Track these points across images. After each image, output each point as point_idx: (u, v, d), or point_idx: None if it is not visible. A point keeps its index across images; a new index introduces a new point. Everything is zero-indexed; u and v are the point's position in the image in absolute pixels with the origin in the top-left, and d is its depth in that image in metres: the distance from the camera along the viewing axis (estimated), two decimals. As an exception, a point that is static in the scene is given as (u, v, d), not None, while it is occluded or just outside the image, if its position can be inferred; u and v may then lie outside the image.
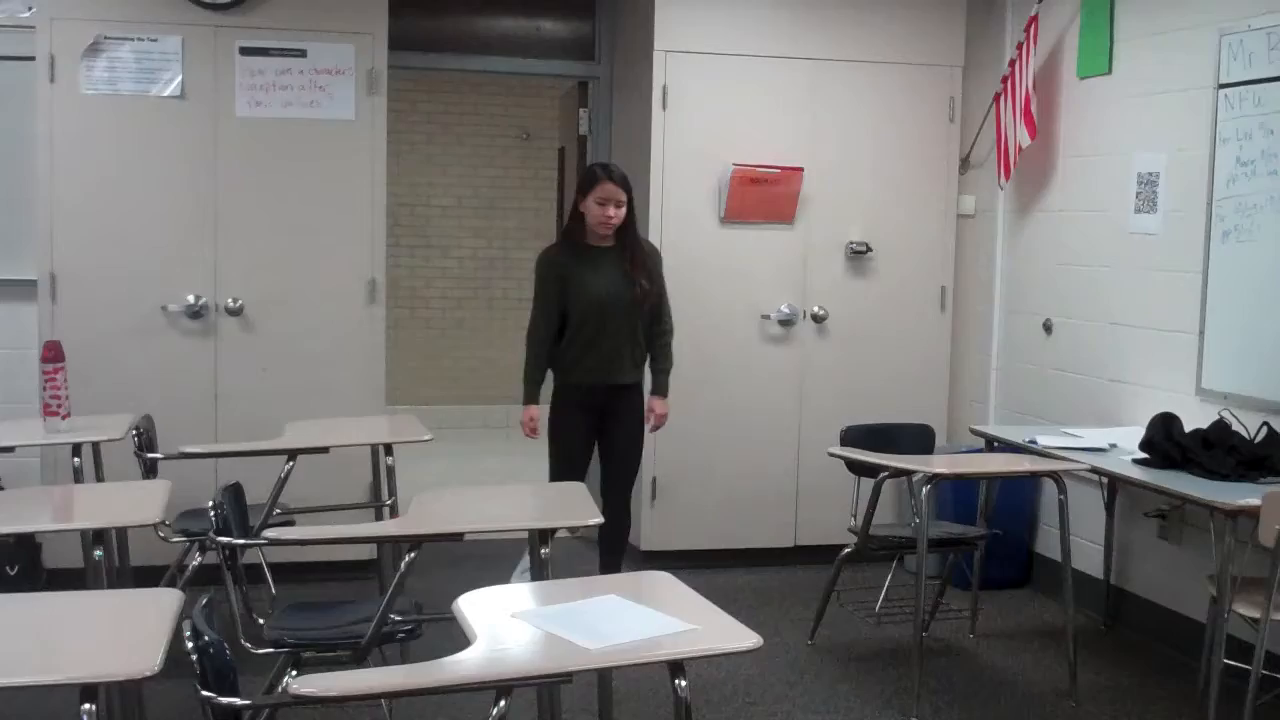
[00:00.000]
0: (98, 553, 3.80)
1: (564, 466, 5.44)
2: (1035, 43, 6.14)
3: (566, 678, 2.87)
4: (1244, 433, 4.85)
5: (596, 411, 5.46)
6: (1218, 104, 5.18)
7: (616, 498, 5.54)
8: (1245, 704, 4.27)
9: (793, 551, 6.62)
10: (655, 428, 5.67)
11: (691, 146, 6.43)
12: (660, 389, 5.60)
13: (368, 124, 6.10)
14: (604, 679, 3.95)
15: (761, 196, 6.47)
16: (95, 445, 5.03)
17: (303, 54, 6.01)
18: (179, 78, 5.90)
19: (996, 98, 6.38)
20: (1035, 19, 6.14)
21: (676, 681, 2.81)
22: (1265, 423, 4.81)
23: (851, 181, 6.62)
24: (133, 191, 5.91)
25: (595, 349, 5.39)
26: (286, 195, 6.05)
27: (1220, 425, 4.91)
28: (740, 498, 6.59)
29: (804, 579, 6.31)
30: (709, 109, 6.44)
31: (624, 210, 5.31)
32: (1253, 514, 4.18)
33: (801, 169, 6.50)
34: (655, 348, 5.57)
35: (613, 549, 5.55)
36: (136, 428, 5.19)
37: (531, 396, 5.52)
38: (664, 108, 6.40)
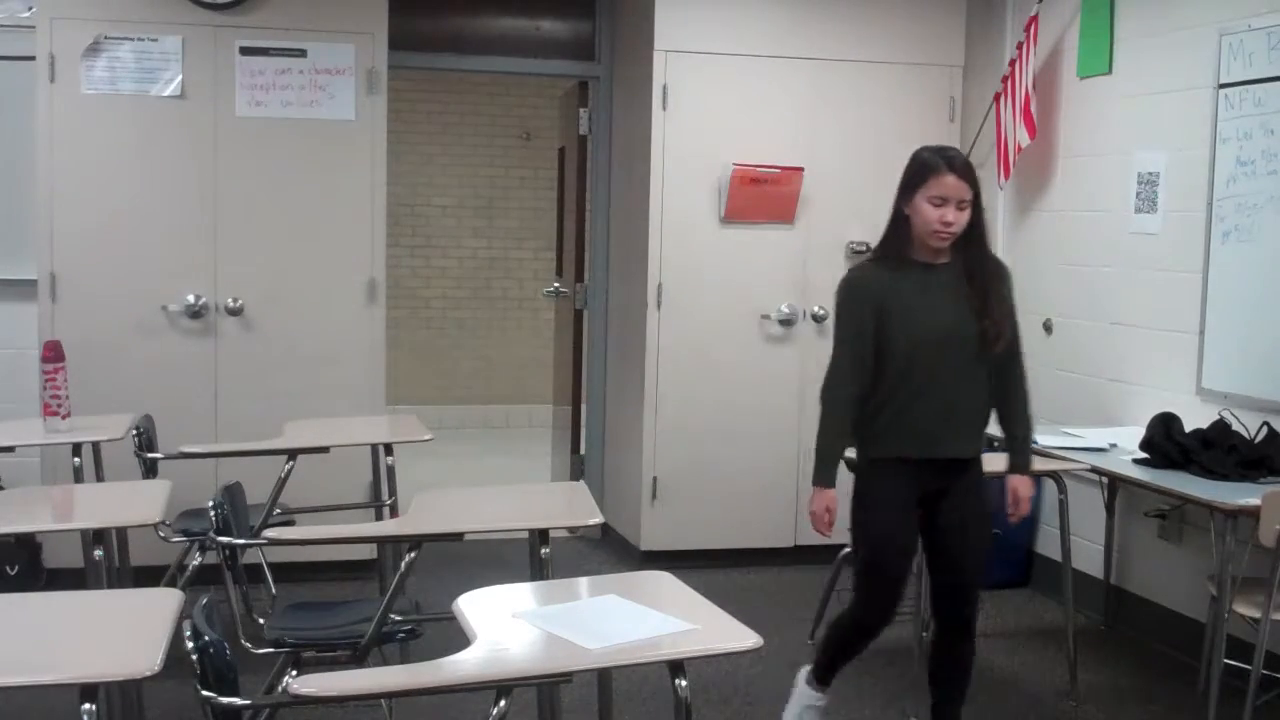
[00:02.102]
0: (98, 552, 3.80)
1: (883, 571, 4.05)
2: (1035, 43, 6.14)
3: (566, 678, 2.87)
4: (1244, 432, 4.85)
5: (919, 495, 4.02)
6: (1218, 104, 5.18)
7: (954, 613, 4.11)
8: (1245, 704, 4.27)
9: (793, 551, 6.62)
10: (1017, 517, 4.16)
11: (692, 146, 6.43)
12: (1022, 464, 4.12)
13: (368, 124, 6.10)
14: (604, 679, 3.95)
15: (762, 196, 6.47)
16: (95, 445, 5.03)
17: (303, 54, 6.01)
18: (179, 77, 5.90)
19: (996, 97, 6.38)
20: (1035, 19, 6.14)
21: (677, 681, 2.81)
22: (1265, 422, 4.81)
23: (852, 181, 6.61)
24: (133, 191, 5.91)
25: (922, 409, 3.93)
26: (286, 195, 6.06)
27: (1220, 425, 4.91)
28: (740, 497, 6.59)
29: (804, 579, 6.31)
30: (709, 109, 6.44)
31: (967, 213, 3.90)
32: (1253, 514, 4.19)
33: (802, 169, 6.50)
34: (1009, 405, 4.10)
35: (950, 686, 4.18)
36: (136, 427, 5.19)
37: (828, 477, 3.99)
38: (664, 107, 6.40)
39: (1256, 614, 4.22)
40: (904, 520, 4.00)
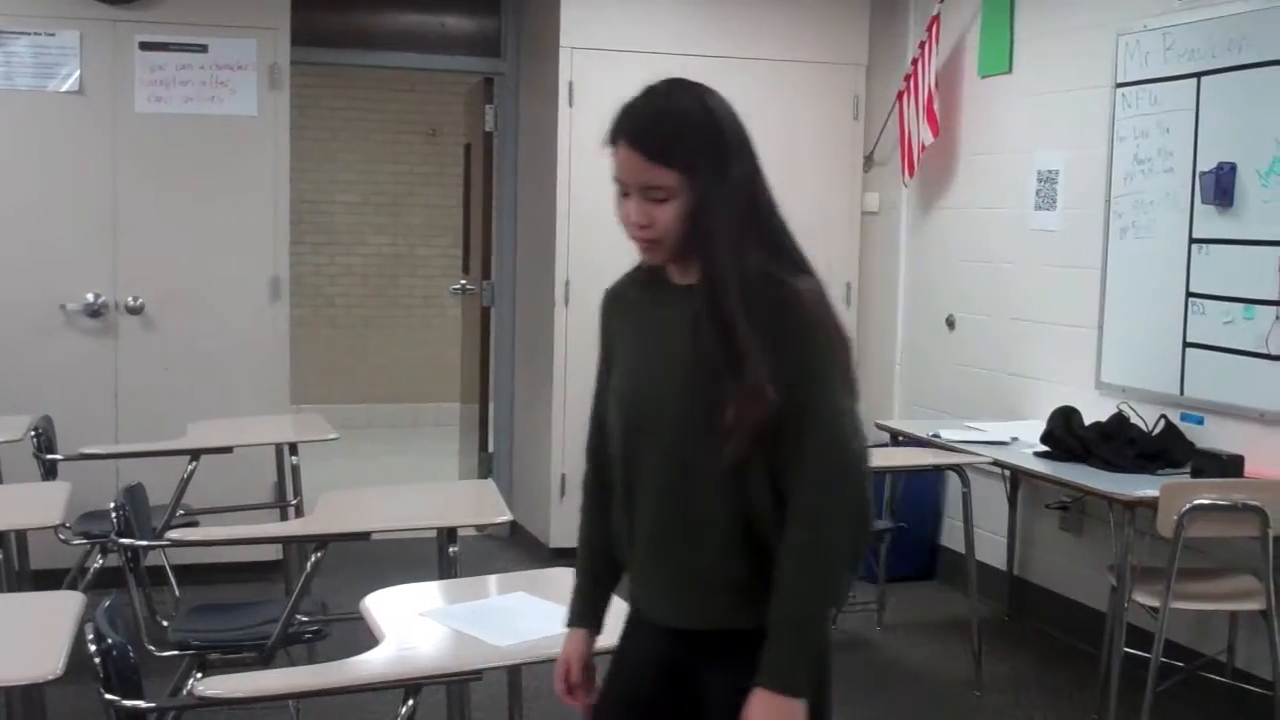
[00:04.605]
0: (-5, 556, 3.73)
1: None
2: (937, 42, 6.22)
3: (475, 675, 2.86)
4: (1142, 425, 4.95)
5: (677, 673, 2.36)
6: (1115, 103, 5.28)
7: None
8: (1145, 690, 4.36)
9: (701, 547, 6.63)
10: None
11: (598, 142, 6.38)
12: (775, 671, 2.20)
13: (270, 120, 6.03)
14: (513, 676, 3.94)
15: (668, 193, 6.46)
16: (-8, 447, 4.93)
17: (204, 49, 5.92)
18: (77, 73, 5.79)
19: (900, 96, 6.45)
20: (937, 18, 6.22)
21: (587, 677, 2.80)
22: (1163, 415, 4.92)
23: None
24: (30, 188, 5.79)
25: (632, 534, 2.40)
26: (188, 192, 5.97)
27: (1119, 418, 5.02)
28: (649, 494, 6.59)
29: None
30: (615, 105, 6.42)
31: (670, 210, 2.29)
32: (1151, 505, 4.27)
33: (708, 166, 6.51)
34: (778, 557, 2.20)
35: None
36: (35, 428, 5.09)
37: (573, 613, 2.51)
38: (570, 104, 6.38)
39: (1155, 603, 4.30)
40: (640, 699, 2.41)
